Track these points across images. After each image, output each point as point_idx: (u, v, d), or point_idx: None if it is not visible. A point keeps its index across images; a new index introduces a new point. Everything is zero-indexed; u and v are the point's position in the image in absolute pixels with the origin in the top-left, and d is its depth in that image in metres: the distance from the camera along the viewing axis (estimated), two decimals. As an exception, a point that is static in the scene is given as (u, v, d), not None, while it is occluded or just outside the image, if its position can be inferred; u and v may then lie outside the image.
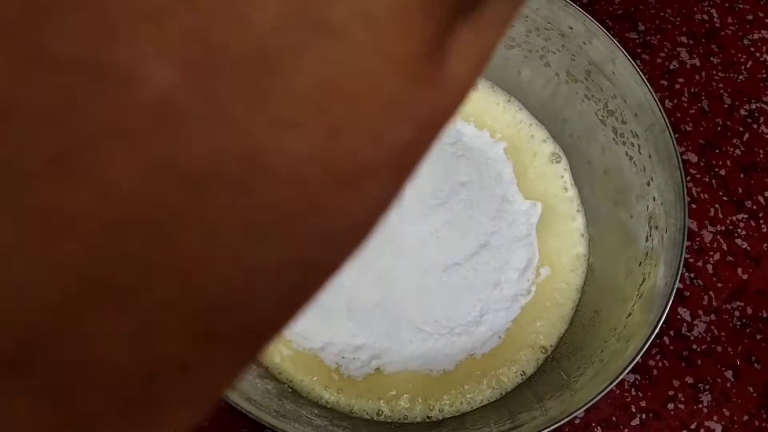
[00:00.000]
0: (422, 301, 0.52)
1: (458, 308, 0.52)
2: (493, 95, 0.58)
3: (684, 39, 0.64)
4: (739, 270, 0.56)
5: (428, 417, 0.50)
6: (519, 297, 0.53)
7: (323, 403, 0.50)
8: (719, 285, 0.56)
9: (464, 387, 0.51)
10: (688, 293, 0.56)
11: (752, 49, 0.64)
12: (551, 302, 0.53)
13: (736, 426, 0.52)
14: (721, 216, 0.58)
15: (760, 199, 0.59)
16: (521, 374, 0.51)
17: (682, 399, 0.53)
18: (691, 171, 0.59)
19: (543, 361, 0.52)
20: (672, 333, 0.54)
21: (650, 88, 0.48)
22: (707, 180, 0.59)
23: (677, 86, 0.62)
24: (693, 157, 0.60)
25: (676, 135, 0.54)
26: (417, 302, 0.52)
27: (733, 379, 0.53)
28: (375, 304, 0.51)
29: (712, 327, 0.55)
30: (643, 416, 0.52)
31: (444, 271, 0.52)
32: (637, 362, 0.45)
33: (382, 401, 0.50)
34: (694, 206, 0.58)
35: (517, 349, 0.52)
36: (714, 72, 0.63)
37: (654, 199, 0.49)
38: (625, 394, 0.52)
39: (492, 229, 0.54)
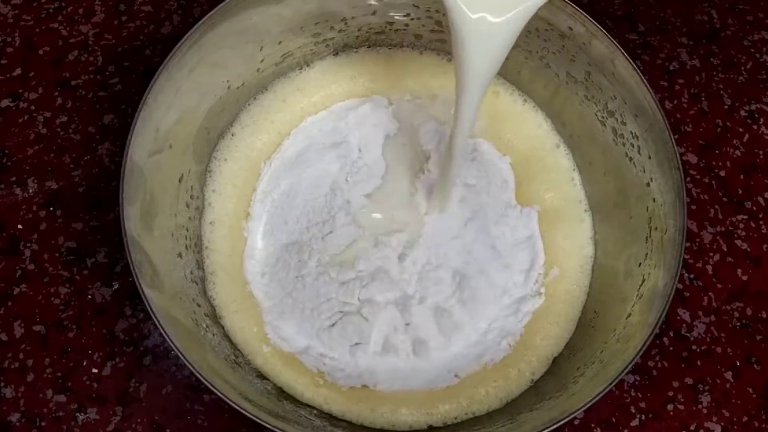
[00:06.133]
0: (430, 314, 0.52)
1: (468, 319, 0.51)
2: (510, 97, 0.58)
3: (684, 40, 0.64)
4: (739, 271, 0.56)
5: (430, 426, 0.49)
6: (528, 301, 0.53)
7: (317, 407, 0.49)
8: (719, 286, 0.56)
9: (470, 398, 0.50)
10: (688, 294, 0.56)
11: (752, 50, 0.64)
12: (562, 304, 0.53)
13: (735, 427, 0.52)
14: (720, 217, 0.58)
15: (760, 200, 0.59)
16: (530, 381, 0.51)
17: (682, 400, 0.53)
18: (691, 172, 0.59)
19: (551, 365, 0.52)
20: (672, 334, 0.54)
21: (650, 89, 0.48)
22: (707, 181, 0.59)
23: (677, 87, 0.62)
24: (693, 158, 0.60)
25: (676, 136, 0.54)
26: (425, 316, 0.51)
27: (732, 380, 0.53)
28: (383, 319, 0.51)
29: (712, 328, 0.55)
30: (643, 417, 0.52)
31: (452, 280, 0.52)
32: (637, 363, 0.45)
33: (376, 411, 0.49)
34: (693, 207, 0.58)
35: (529, 357, 0.51)
36: (714, 73, 0.63)
37: (654, 200, 0.49)
38: (625, 395, 0.53)
39: (496, 234, 0.54)
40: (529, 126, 0.57)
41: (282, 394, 0.49)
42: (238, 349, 0.50)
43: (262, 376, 0.50)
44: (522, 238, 0.54)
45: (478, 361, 0.51)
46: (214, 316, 0.51)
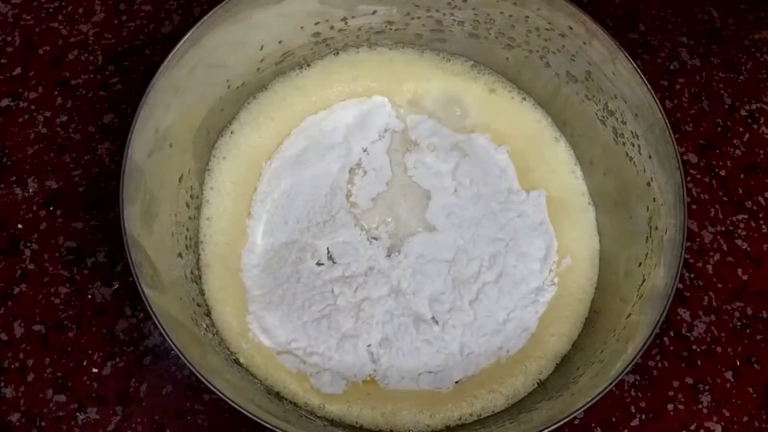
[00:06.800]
0: (426, 300, 0.52)
1: (473, 308, 0.51)
2: (508, 95, 0.58)
3: (684, 39, 0.64)
4: (739, 270, 0.56)
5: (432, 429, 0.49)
6: (545, 291, 0.52)
7: (311, 410, 0.49)
8: (719, 285, 0.56)
9: (475, 398, 0.50)
10: (688, 294, 0.56)
11: (752, 50, 0.64)
12: (572, 299, 0.53)
13: (735, 427, 0.52)
14: (721, 216, 0.58)
15: (761, 199, 0.59)
16: (537, 382, 0.51)
17: (682, 399, 0.53)
18: (692, 171, 0.59)
19: (558, 364, 0.51)
20: (672, 333, 0.54)
21: (650, 89, 0.48)
22: (707, 180, 0.59)
23: (677, 86, 0.62)
24: (693, 158, 0.60)
25: (677, 135, 0.54)
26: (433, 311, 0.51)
27: (732, 380, 0.53)
28: (389, 313, 0.51)
29: (712, 327, 0.55)
30: (643, 417, 0.52)
31: (448, 272, 0.52)
32: (637, 363, 0.45)
33: (376, 411, 0.49)
34: (694, 207, 0.58)
35: (538, 354, 0.51)
36: (714, 72, 0.63)
37: (654, 199, 0.49)
38: (625, 395, 0.52)
39: (504, 222, 0.54)
40: (527, 120, 0.57)
41: (282, 394, 0.49)
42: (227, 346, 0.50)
43: (261, 376, 0.50)
44: (534, 224, 0.54)
45: (497, 353, 0.51)
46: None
